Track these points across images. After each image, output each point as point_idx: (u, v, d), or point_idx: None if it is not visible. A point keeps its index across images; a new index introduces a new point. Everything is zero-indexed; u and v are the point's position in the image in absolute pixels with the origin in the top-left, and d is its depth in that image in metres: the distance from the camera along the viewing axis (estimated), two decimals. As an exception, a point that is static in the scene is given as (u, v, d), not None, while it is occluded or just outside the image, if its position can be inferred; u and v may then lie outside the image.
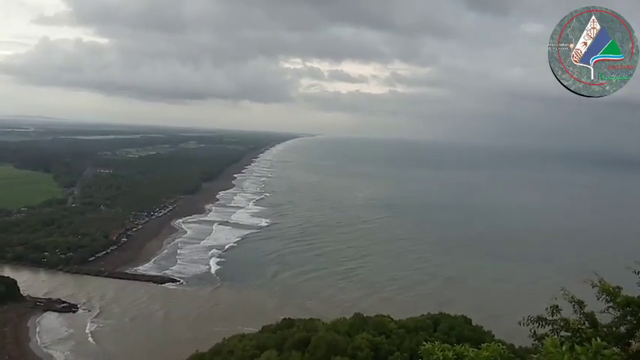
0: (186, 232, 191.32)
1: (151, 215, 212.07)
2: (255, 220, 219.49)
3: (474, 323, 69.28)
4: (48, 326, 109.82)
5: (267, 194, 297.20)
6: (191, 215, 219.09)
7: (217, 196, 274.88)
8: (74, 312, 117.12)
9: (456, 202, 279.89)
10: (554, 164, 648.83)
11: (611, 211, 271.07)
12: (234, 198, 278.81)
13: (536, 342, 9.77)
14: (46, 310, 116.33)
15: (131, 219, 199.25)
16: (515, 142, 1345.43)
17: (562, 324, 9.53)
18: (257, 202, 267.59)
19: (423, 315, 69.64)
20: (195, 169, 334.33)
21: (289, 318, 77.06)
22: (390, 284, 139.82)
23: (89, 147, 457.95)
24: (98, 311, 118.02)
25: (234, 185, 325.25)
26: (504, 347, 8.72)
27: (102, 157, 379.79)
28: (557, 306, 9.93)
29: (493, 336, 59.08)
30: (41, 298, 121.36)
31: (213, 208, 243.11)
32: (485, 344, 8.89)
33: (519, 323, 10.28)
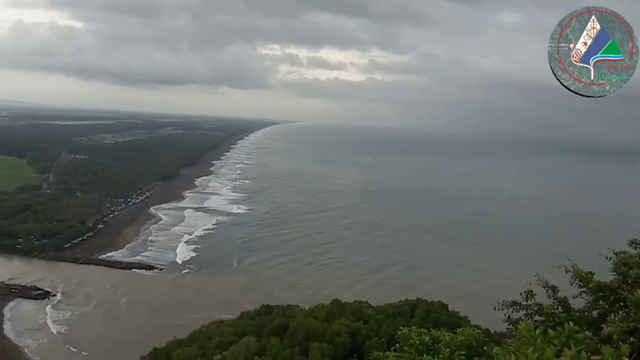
0: (162, 218, 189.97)
1: (128, 202, 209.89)
2: (232, 207, 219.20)
3: (450, 309, 70.42)
4: (22, 313, 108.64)
5: (245, 181, 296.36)
6: (168, 202, 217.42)
7: (195, 183, 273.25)
8: (49, 299, 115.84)
9: (431, 189, 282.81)
10: (531, 152, 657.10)
11: (588, 200, 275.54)
12: (212, 184, 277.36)
13: (511, 326, 9.95)
14: (20, 297, 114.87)
15: (107, 205, 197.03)
16: (493, 130, 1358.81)
17: (536, 309, 9.71)
18: (234, 189, 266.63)
19: (400, 301, 70.51)
20: (174, 156, 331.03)
21: (267, 304, 77.26)
22: (359, 270, 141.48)
23: (65, 132, 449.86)
24: (74, 298, 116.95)
25: (212, 172, 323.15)
26: (479, 332, 8.89)
27: (78, 143, 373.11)
28: (532, 291, 10.10)
29: (469, 321, 59.99)
30: (15, 285, 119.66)
31: (190, 194, 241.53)
32: (461, 329, 9.04)
33: (494, 308, 10.45)
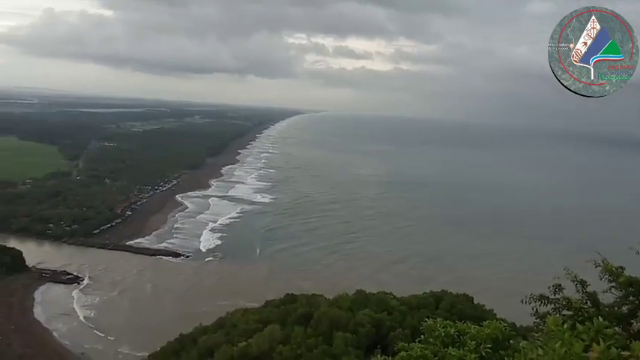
0: (188, 206, 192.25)
1: (155, 189, 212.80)
2: (257, 196, 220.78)
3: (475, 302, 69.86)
4: (53, 297, 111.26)
5: (270, 170, 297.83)
6: (194, 190, 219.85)
7: (221, 171, 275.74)
8: (79, 284, 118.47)
9: (457, 180, 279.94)
10: (560, 144, 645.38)
11: (619, 192, 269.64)
12: (238, 173, 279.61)
13: (538, 320, 9.86)
14: (51, 282, 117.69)
15: (136, 192, 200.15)
16: (521, 121, 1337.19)
17: (564, 303, 9.59)
18: (259, 178, 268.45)
19: (425, 293, 70.21)
20: (200, 144, 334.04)
21: (292, 294, 77.71)
22: (382, 260, 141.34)
23: (94, 120, 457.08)
24: (102, 283, 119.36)
25: (238, 161, 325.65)
26: (506, 325, 8.81)
27: (106, 131, 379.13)
28: (560, 285, 9.98)
29: (495, 315, 59.50)
30: (46, 270, 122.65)
31: (216, 183, 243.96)
32: (487, 322, 8.99)
33: (521, 301, 10.37)
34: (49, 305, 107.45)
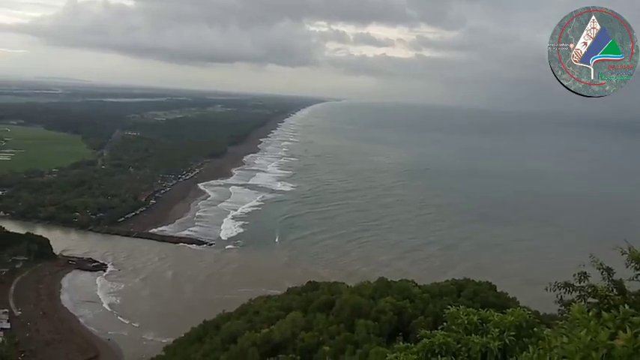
0: (210, 195, 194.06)
1: (178, 178, 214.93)
2: (278, 184, 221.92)
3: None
4: (79, 284, 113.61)
5: (291, 158, 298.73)
6: (216, 178, 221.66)
7: (243, 160, 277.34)
8: (104, 271, 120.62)
9: (478, 167, 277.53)
10: (585, 130, 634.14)
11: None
12: (259, 162, 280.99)
13: (562, 308, 9.76)
14: (77, 269, 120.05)
15: (159, 181, 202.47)
16: (547, 108, 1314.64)
17: (589, 290, 9.46)
18: (280, 166, 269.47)
19: (447, 280, 69.88)
20: (222, 133, 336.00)
21: (313, 281, 78.09)
22: (400, 248, 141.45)
23: (117, 109, 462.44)
24: (127, 270, 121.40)
25: (259, 149, 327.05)
26: (530, 312, 8.73)
27: (130, 120, 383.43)
28: (585, 272, 9.84)
29: (518, 302, 59.04)
30: (73, 257, 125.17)
31: (238, 171, 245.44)
32: (511, 309, 8.92)
33: (546, 289, 10.25)
34: (75, 292, 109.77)
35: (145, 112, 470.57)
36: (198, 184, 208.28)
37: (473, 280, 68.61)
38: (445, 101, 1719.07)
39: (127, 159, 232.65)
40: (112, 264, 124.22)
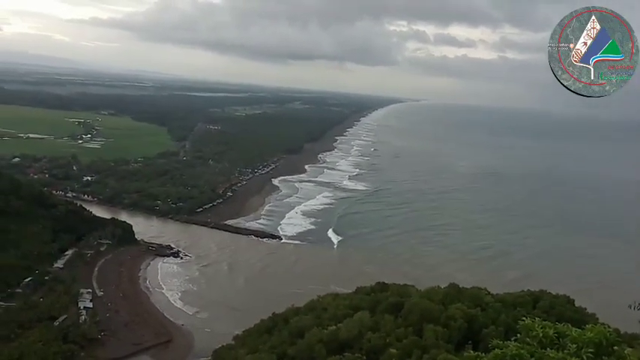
0: (284, 190, 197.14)
1: (255, 172, 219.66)
2: (353, 183, 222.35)
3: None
4: (157, 270, 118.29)
5: (366, 158, 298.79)
6: (292, 174, 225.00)
7: (318, 157, 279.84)
8: (182, 258, 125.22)
9: (561, 175, 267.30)
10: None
11: None
12: (333, 160, 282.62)
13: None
14: (157, 255, 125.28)
15: (236, 174, 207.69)
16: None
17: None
18: (355, 165, 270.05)
19: (522, 291, 67.43)
20: (299, 130, 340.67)
21: (383, 282, 77.54)
22: (473, 254, 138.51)
23: (201, 103, 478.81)
24: (201, 260, 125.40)
25: (334, 147, 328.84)
26: (610, 330, 8.38)
27: (212, 114, 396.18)
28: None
29: (597, 319, 56.18)
30: (153, 243, 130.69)
31: (312, 168, 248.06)
32: (590, 325, 8.59)
33: (629, 307, 9.82)
34: (153, 277, 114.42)
35: (227, 106, 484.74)
36: (273, 179, 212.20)
37: (549, 292, 65.81)
38: (534, 105, 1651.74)
39: (208, 151, 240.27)
40: (189, 253, 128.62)
